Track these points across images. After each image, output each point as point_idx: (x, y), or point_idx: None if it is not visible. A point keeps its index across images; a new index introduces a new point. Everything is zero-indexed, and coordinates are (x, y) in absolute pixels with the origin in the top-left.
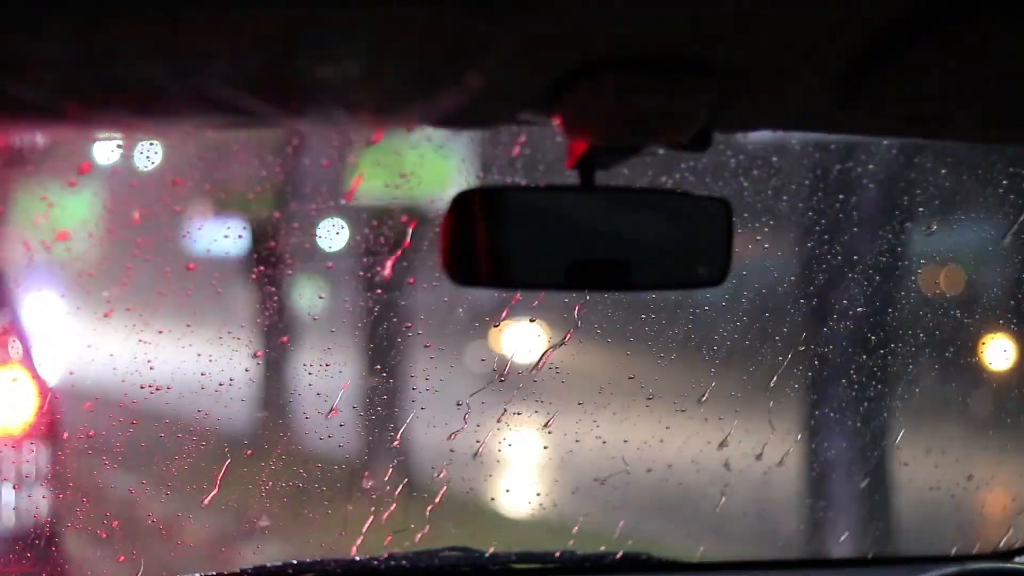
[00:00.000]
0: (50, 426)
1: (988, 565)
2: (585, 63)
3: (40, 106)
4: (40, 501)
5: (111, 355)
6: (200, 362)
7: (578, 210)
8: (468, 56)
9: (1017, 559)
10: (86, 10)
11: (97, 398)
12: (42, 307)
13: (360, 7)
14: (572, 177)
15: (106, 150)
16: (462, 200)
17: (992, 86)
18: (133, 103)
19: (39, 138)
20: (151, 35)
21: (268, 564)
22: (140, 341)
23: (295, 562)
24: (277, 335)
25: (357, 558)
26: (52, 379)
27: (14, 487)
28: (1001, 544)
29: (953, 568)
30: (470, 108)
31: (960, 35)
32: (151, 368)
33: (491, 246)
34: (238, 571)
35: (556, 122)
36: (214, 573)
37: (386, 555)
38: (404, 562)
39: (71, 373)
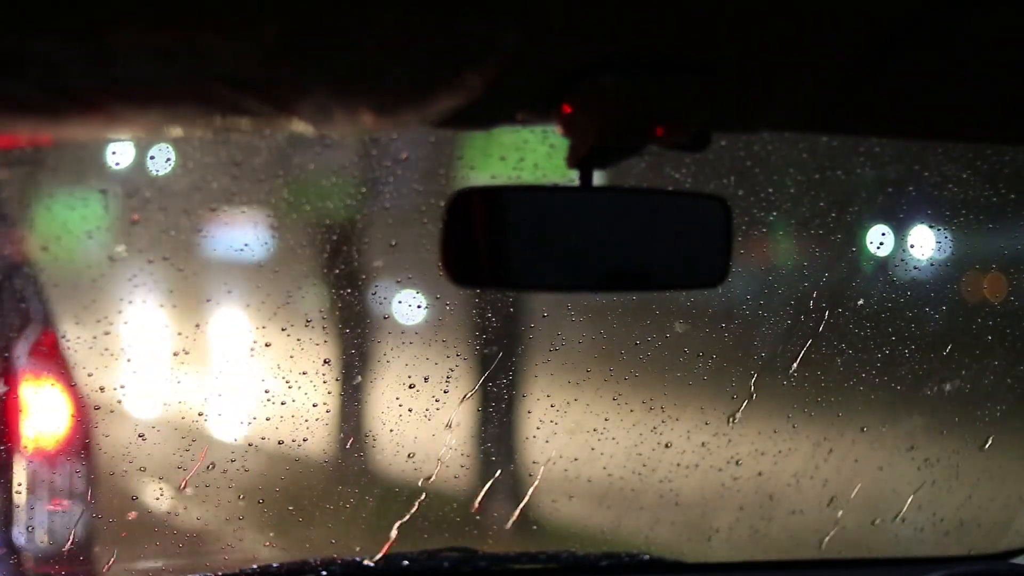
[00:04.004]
0: (85, 441)
1: (988, 565)
2: (585, 63)
3: (40, 106)
4: (74, 518)
5: (156, 368)
6: (277, 377)
7: (577, 210)
8: (468, 56)
9: (1016, 559)
10: (86, 10)
11: (137, 413)
12: (87, 317)
13: (360, 8)
14: (572, 177)
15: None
16: (461, 199)
17: (990, 86)
18: (133, 103)
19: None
20: (151, 35)
21: (268, 564)
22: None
23: (295, 562)
24: (366, 345)
25: (357, 558)
26: (90, 393)
27: (49, 504)
28: (1001, 544)
29: (953, 568)
30: (470, 108)
31: (959, 36)
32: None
33: (490, 246)
34: (238, 571)
35: (556, 122)
36: (215, 573)
37: (386, 555)
38: (404, 562)
39: (111, 388)
